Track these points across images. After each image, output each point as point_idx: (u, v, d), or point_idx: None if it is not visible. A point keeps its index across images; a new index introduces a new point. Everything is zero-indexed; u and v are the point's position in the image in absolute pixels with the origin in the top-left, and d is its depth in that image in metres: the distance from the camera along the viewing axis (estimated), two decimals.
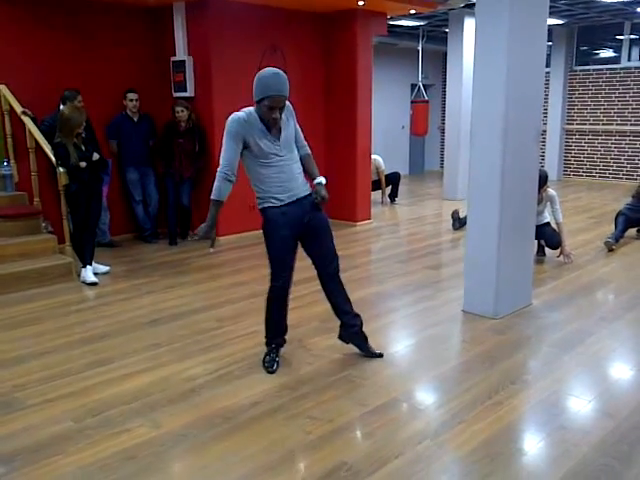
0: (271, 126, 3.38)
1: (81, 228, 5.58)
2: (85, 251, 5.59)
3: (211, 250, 3.60)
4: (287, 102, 3.41)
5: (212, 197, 3.44)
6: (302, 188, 3.54)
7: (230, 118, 3.35)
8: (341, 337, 3.91)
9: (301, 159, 3.60)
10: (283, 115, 3.40)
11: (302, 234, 3.58)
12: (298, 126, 3.62)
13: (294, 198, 3.49)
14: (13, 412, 3.23)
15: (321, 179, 3.58)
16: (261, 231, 3.55)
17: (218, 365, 3.78)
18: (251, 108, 3.41)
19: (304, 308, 4.80)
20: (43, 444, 2.91)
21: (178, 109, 6.85)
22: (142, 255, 6.64)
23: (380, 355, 3.88)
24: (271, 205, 3.47)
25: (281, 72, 3.32)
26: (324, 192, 3.53)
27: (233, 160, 3.37)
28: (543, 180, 6.06)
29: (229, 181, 3.40)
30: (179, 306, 4.92)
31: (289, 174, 3.47)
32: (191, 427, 3.05)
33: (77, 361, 3.87)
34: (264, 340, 3.81)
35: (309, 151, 3.69)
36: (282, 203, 3.46)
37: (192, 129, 6.94)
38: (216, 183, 3.42)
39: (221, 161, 3.40)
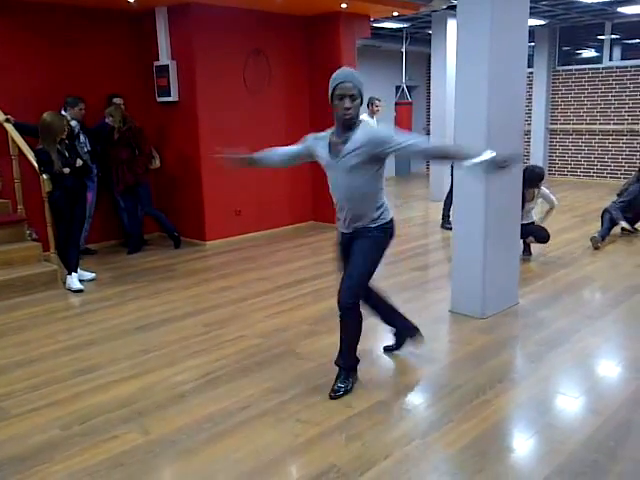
0: (344, 124, 3.22)
1: (66, 235, 5.54)
2: (70, 258, 5.54)
3: None
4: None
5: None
6: None
7: None
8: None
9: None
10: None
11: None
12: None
13: None
14: None
15: None
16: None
17: (206, 370, 3.77)
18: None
19: (292, 311, 4.80)
20: (30, 453, 2.89)
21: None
22: (128, 261, 6.60)
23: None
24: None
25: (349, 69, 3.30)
26: None
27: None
28: (539, 178, 6.14)
29: None
30: (166, 312, 4.90)
31: None
32: (180, 433, 3.04)
33: (63, 369, 3.84)
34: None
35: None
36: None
37: (125, 133, 6.58)
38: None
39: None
